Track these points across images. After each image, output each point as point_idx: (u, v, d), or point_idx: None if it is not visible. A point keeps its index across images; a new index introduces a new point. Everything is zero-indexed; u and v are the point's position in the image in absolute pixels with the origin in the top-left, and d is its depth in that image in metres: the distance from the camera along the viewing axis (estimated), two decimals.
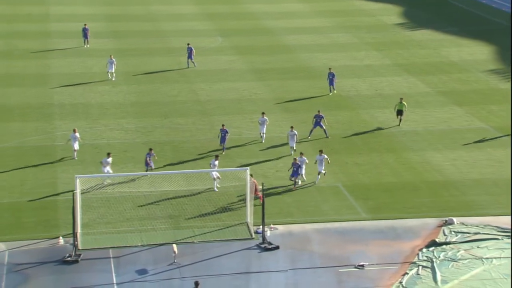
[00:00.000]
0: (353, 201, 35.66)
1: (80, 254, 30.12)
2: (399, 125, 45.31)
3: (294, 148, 40.41)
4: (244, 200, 33.41)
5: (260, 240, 31.82)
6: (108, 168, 36.04)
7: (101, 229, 32.22)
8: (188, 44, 57.52)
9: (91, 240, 31.13)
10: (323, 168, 37.05)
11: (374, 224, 33.28)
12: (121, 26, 69.65)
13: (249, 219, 32.82)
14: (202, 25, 71.34)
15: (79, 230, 31.18)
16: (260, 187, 33.55)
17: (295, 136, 40.50)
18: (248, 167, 33.87)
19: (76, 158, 39.09)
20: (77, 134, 39.44)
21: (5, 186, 36.28)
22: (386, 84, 53.82)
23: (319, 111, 43.42)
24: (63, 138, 42.23)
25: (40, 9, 74.81)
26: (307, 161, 37.06)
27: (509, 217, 33.61)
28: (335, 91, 50.74)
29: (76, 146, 39.11)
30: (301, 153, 37.36)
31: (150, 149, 37.62)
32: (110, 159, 36.37)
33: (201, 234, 32.05)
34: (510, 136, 43.52)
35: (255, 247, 31.26)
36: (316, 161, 37.38)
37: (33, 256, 29.97)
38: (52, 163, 39.11)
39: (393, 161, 40.15)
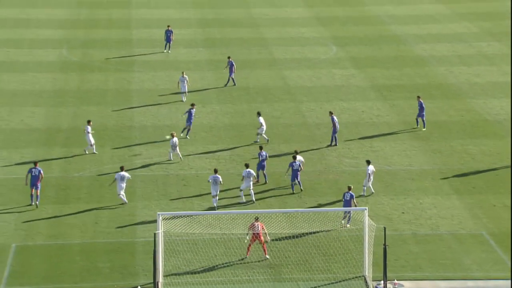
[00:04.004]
0: (501, 253, 34.66)
1: None
2: None
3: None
4: (362, 248, 33.09)
5: None
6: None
7: (187, 279, 32.63)
8: (229, 57, 57.72)
9: None
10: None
11: None
12: (215, 33, 71.02)
13: (368, 272, 32.45)
14: (312, 31, 71.78)
15: (161, 279, 31.70)
16: (267, 238, 33.72)
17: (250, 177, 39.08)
18: (367, 208, 33.57)
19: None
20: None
21: (77, 224, 37.46)
22: None
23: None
24: (144, 168, 43.25)
25: (122, 12, 77.44)
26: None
27: None
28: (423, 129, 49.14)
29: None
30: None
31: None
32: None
33: None
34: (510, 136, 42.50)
35: None
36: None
37: None
38: (130, 196, 40.10)
39: None
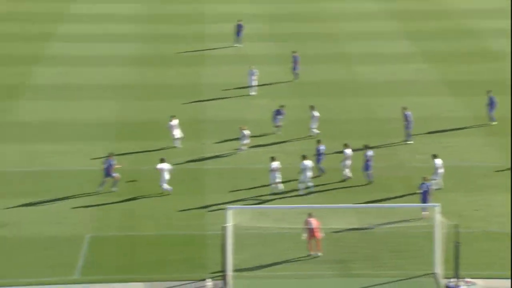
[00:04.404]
0: None
1: None
2: None
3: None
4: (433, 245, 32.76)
5: None
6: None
7: (256, 273, 32.78)
8: (294, 52, 57.34)
9: (243, 285, 31.73)
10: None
11: None
12: (287, 27, 70.99)
13: (438, 269, 32.11)
14: (384, 25, 71.14)
15: (230, 272, 31.92)
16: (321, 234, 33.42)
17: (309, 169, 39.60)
18: (439, 204, 33.20)
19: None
20: None
21: (149, 216, 37.98)
22: None
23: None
24: (213, 161, 43.59)
25: (194, 7, 78.04)
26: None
27: None
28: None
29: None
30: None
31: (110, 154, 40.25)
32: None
33: (377, 285, 31.73)
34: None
35: None
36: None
37: None
38: (200, 189, 40.46)
39: None
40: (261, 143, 46.06)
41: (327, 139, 46.35)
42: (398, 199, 39.16)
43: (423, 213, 36.64)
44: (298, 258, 33.79)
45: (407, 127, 46.00)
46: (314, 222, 33.72)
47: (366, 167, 40.77)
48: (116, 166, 40.12)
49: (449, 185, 40.31)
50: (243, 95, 54.21)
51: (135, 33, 69.13)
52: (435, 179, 39.37)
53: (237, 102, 53.10)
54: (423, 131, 47.58)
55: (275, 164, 39.66)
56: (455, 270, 31.30)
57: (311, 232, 33.60)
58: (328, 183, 40.83)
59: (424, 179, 37.43)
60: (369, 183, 40.54)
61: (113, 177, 39.93)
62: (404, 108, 46.52)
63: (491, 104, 48.25)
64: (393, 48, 64.52)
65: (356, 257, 33.77)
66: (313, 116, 46.92)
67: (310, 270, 32.93)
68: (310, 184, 39.58)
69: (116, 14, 75.09)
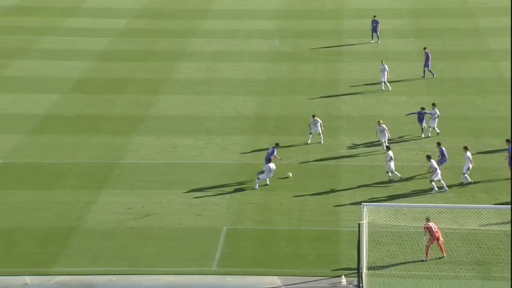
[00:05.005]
0: None
1: None
2: None
3: None
4: None
5: None
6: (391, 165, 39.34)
7: (391, 271, 32.38)
8: (425, 48, 55.79)
9: (379, 283, 31.42)
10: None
11: None
12: (427, 23, 69.75)
13: None
14: None
15: (364, 269, 31.68)
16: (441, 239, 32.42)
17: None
18: None
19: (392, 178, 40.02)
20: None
21: (283, 211, 38.20)
22: None
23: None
24: (349, 157, 43.37)
25: (334, 2, 77.87)
26: None
27: None
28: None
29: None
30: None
31: (277, 144, 41.09)
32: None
33: None
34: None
35: None
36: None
37: None
38: (335, 185, 40.34)
39: None
40: (396, 140, 45.41)
41: (468, 137, 45.29)
42: None
43: None
44: (434, 257, 33.15)
45: None
46: (434, 226, 32.96)
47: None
48: (276, 157, 40.72)
49: None
50: (380, 92, 53.62)
51: (275, 29, 69.58)
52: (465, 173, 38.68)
53: (373, 98, 52.56)
54: None
55: (390, 154, 39.70)
56: None
57: (432, 236, 32.86)
58: (466, 182, 39.88)
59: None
60: None
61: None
62: None
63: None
64: None
65: (497, 260, 32.80)
66: (434, 114, 45.65)
67: (446, 270, 32.24)
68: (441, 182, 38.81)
69: (255, 10, 75.83)
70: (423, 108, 46.11)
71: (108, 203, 38.91)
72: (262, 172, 40.34)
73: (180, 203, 38.99)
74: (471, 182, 39.80)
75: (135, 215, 37.65)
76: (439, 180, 39.11)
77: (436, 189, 39.01)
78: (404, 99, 51.99)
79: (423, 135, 45.72)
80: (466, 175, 39.80)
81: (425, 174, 40.69)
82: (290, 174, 41.20)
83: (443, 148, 41.00)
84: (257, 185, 40.00)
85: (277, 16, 73.62)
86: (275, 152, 41.46)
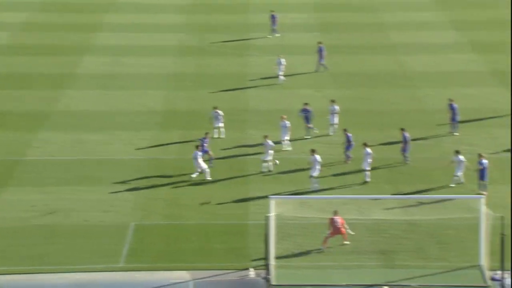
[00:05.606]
0: None
1: None
2: None
3: None
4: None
5: None
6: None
7: (298, 262, 32.87)
8: (319, 42, 56.90)
9: (286, 274, 31.81)
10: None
11: None
12: (331, 17, 70.77)
13: (484, 261, 31.85)
14: (432, 15, 70.55)
15: (272, 262, 32.05)
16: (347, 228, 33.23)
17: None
18: (483, 196, 32.91)
19: (268, 170, 40.40)
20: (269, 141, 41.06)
21: (192, 205, 38.27)
22: None
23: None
24: (255, 150, 43.72)
25: None
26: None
27: None
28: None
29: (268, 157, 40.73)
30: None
31: (207, 133, 41.84)
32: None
33: (421, 276, 31.60)
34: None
35: None
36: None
37: None
38: (243, 179, 40.62)
39: None
40: (303, 133, 45.95)
41: (372, 130, 46.26)
42: (441, 190, 38.90)
43: (483, 193, 36.69)
44: (341, 248, 33.80)
45: (453, 119, 45.63)
46: (338, 221, 33.60)
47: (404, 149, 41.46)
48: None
49: (495, 177, 39.92)
50: (284, 85, 54.20)
51: (181, 23, 69.45)
52: (457, 176, 39.06)
53: (278, 92, 53.08)
54: (471, 122, 47.15)
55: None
56: (501, 262, 31.01)
57: (336, 230, 33.52)
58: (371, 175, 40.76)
59: (480, 156, 38.04)
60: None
61: (208, 153, 40.98)
62: (451, 100, 46.15)
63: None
64: (441, 39, 63.97)
65: (399, 248, 33.66)
66: (333, 110, 46.10)
67: (351, 260, 32.91)
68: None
69: (161, 4, 75.47)
70: (306, 104, 46.37)
71: (12, 201, 38.25)
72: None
73: (87, 199, 38.64)
74: (367, 181, 40.22)
75: (40, 213, 37.13)
76: (313, 177, 39.28)
77: (316, 185, 39.28)
78: (311, 93, 52.70)
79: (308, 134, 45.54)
80: (368, 173, 40.34)
81: (328, 165, 41.39)
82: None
83: (349, 135, 41.69)
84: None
85: (183, 10, 73.46)
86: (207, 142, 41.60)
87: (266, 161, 41.06)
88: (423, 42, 62.76)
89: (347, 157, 41.92)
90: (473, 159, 40.17)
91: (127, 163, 42.66)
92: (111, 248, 34.24)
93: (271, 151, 41.15)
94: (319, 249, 33.60)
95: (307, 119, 45.50)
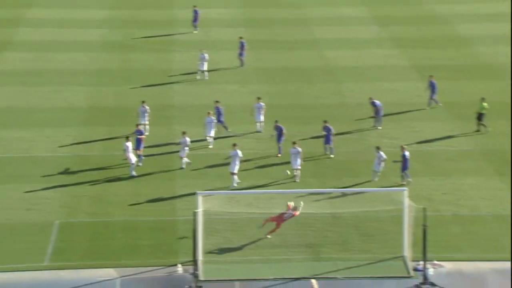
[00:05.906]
0: None
1: (201, 287, 30.97)
2: None
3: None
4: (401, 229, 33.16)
5: (421, 279, 31.43)
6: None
7: (227, 257, 32.99)
8: (241, 38, 57.33)
9: (214, 270, 31.89)
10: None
11: None
12: (256, 13, 71.04)
13: (407, 252, 32.49)
14: (354, 11, 71.47)
15: (200, 257, 32.08)
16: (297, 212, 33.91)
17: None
18: (406, 188, 33.57)
19: (184, 167, 40.46)
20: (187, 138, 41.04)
21: (118, 202, 38.02)
22: None
23: (326, 122, 42.82)
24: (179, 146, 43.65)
25: None
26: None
27: None
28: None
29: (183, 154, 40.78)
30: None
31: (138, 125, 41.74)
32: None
33: (346, 268, 32.04)
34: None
35: None
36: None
37: (147, 287, 31.17)
38: (170, 175, 40.54)
39: None
40: (230, 129, 46.07)
41: (298, 124, 46.64)
42: (366, 183, 39.52)
43: (408, 179, 38.16)
44: (268, 242, 34.03)
45: (377, 113, 46.34)
46: (290, 215, 33.90)
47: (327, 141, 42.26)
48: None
49: (417, 169, 40.74)
50: (209, 80, 54.22)
51: (104, 19, 68.76)
52: (376, 171, 39.74)
53: (204, 88, 53.08)
54: (392, 116, 47.97)
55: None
56: (423, 253, 31.67)
57: (280, 220, 33.79)
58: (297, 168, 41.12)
59: (402, 148, 39.16)
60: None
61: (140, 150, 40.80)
62: (371, 98, 46.86)
63: (432, 89, 48.72)
64: (363, 34, 64.85)
65: (325, 241, 34.08)
66: (259, 107, 45.82)
67: (279, 254, 33.18)
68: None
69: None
70: (217, 102, 46.04)
71: None
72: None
73: (9, 198, 38.01)
74: (296, 180, 40.49)
75: None
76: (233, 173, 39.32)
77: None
78: (236, 88, 52.86)
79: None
80: (298, 171, 40.57)
81: (256, 160, 41.61)
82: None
83: (282, 127, 42.05)
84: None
85: (106, 6, 72.73)
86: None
87: (182, 158, 41.02)
88: (346, 37, 63.54)
89: (279, 149, 42.13)
90: (395, 153, 40.92)
91: (50, 160, 42.10)
92: (35, 247, 33.78)
93: (186, 148, 41.10)
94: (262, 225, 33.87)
95: (219, 117, 44.97)
